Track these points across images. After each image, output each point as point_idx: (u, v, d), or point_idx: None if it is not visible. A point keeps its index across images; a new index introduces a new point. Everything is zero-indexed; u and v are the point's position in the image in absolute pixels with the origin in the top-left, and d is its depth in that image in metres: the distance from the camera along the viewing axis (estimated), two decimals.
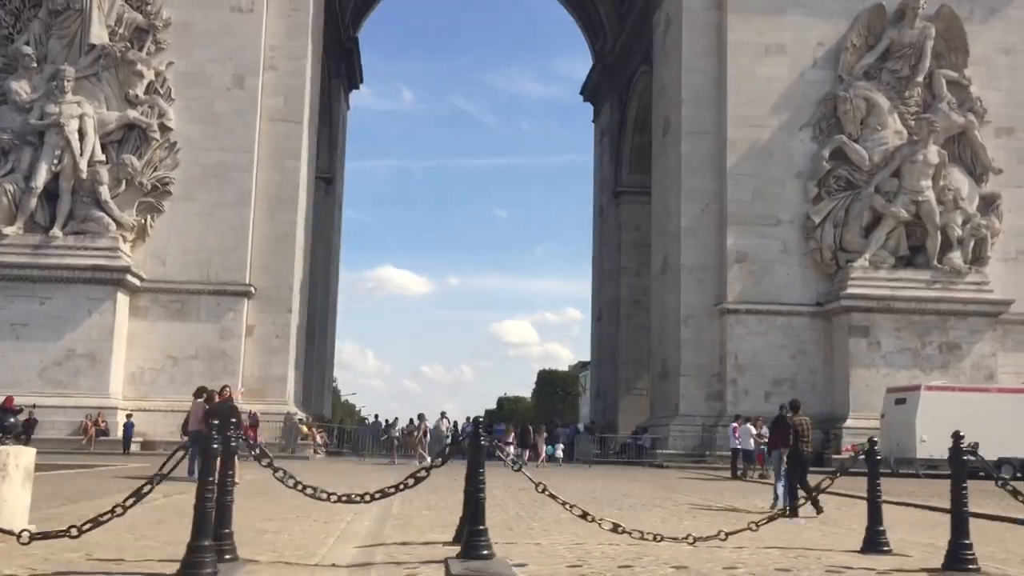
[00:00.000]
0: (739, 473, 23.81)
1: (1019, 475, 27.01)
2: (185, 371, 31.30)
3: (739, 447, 23.59)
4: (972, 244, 33.11)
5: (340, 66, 47.92)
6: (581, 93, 54.68)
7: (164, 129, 32.39)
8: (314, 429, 33.00)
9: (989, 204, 33.98)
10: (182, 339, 31.61)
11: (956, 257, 32.85)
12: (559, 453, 32.97)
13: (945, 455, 22.60)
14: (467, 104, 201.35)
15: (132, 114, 31.92)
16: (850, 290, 32.22)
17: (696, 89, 34.87)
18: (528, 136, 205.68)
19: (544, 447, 32.73)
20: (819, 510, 12.42)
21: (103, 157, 31.40)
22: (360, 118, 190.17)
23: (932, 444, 27.03)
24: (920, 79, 34.00)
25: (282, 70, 33.77)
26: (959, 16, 34.60)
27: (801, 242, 33.62)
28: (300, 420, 31.96)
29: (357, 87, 53.39)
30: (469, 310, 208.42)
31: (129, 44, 32.45)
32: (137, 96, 32.08)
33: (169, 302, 31.81)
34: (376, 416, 39.72)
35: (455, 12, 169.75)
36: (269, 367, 32.42)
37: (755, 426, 23.82)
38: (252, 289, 32.35)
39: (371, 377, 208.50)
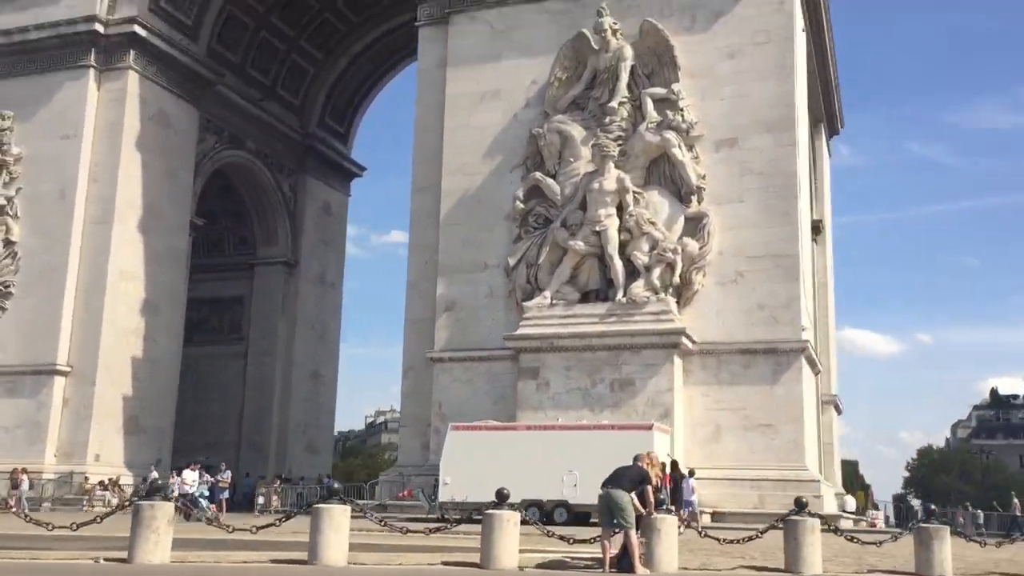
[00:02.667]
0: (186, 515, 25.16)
1: (544, 519, 25.16)
2: (12, 438, 38.18)
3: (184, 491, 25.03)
4: (659, 271, 30.51)
5: (305, 161, 53.44)
6: None
7: (9, 243, 40.05)
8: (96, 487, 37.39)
9: (697, 224, 31.13)
10: (13, 412, 38.48)
11: (638, 286, 30.52)
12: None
13: (467, 498, 24.58)
14: (923, 149, 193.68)
15: None
16: (520, 330, 31.27)
17: (426, 145, 35.86)
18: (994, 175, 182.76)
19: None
20: None
21: None
22: None
23: (455, 487, 26.25)
24: (615, 103, 32.24)
25: (102, 182, 40.08)
26: (662, 29, 32.45)
27: (505, 285, 33.07)
28: (86, 478, 37.13)
29: (359, 175, 58.42)
30: (949, 369, 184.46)
31: None
32: None
33: (6, 382, 38.91)
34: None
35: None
36: (77, 433, 38.19)
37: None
38: (68, 368, 38.53)
39: (841, 443, 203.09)
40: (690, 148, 31.77)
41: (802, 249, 30.86)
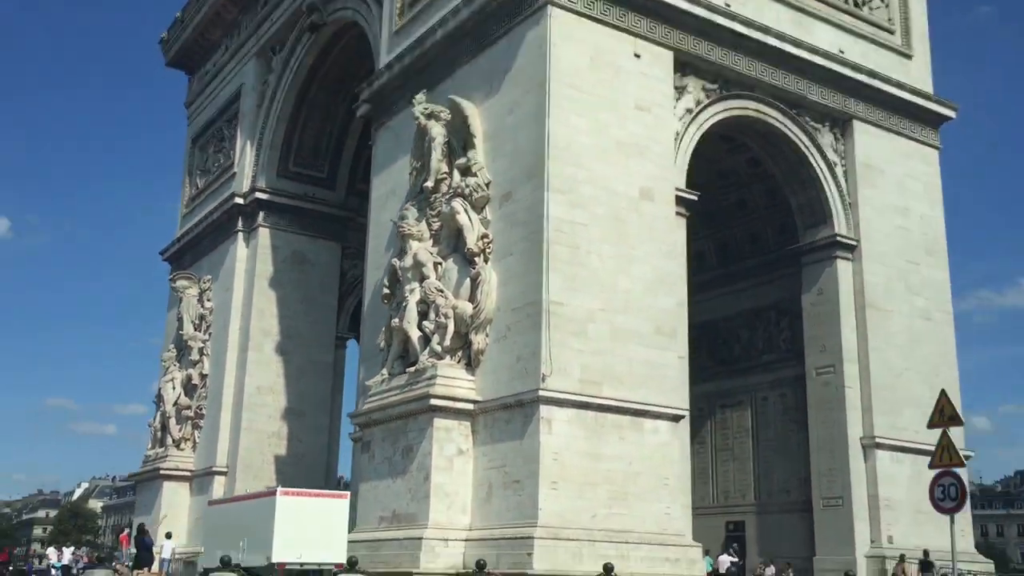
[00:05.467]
0: None
1: None
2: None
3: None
4: (438, 337, 31.28)
5: None
6: None
7: (203, 376, 52.61)
8: None
9: (475, 284, 31.32)
10: (197, 507, 50.02)
11: (424, 354, 31.64)
12: None
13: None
14: None
15: None
16: (361, 407, 34.00)
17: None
18: None
19: None
20: None
21: None
22: None
23: (208, 555, 30.62)
24: (430, 183, 33.87)
25: (244, 317, 50.77)
26: (459, 102, 33.51)
27: None
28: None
29: None
30: None
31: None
32: None
33: (198, 483, 50.86)
34: None
35: None
36: None
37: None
38: (224, 468, 49.04)
39: None
40: (480, 210, 32.21)
41: (554, 293, 29.15)
